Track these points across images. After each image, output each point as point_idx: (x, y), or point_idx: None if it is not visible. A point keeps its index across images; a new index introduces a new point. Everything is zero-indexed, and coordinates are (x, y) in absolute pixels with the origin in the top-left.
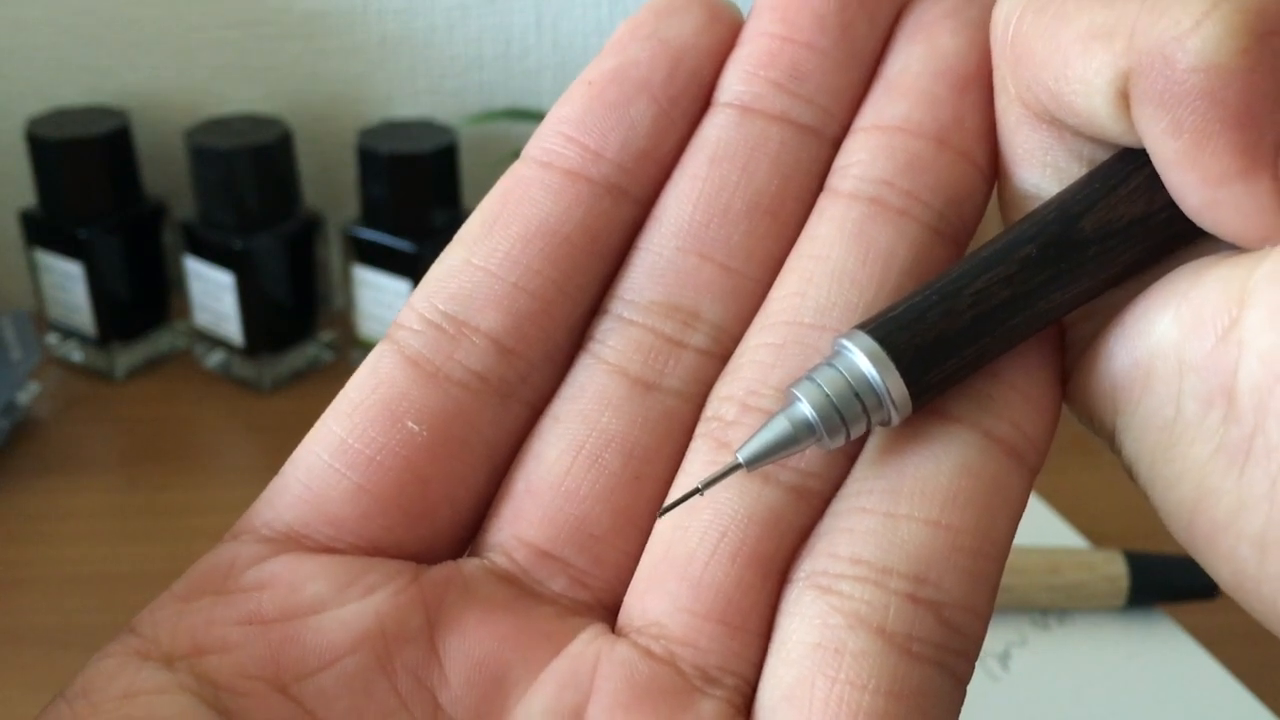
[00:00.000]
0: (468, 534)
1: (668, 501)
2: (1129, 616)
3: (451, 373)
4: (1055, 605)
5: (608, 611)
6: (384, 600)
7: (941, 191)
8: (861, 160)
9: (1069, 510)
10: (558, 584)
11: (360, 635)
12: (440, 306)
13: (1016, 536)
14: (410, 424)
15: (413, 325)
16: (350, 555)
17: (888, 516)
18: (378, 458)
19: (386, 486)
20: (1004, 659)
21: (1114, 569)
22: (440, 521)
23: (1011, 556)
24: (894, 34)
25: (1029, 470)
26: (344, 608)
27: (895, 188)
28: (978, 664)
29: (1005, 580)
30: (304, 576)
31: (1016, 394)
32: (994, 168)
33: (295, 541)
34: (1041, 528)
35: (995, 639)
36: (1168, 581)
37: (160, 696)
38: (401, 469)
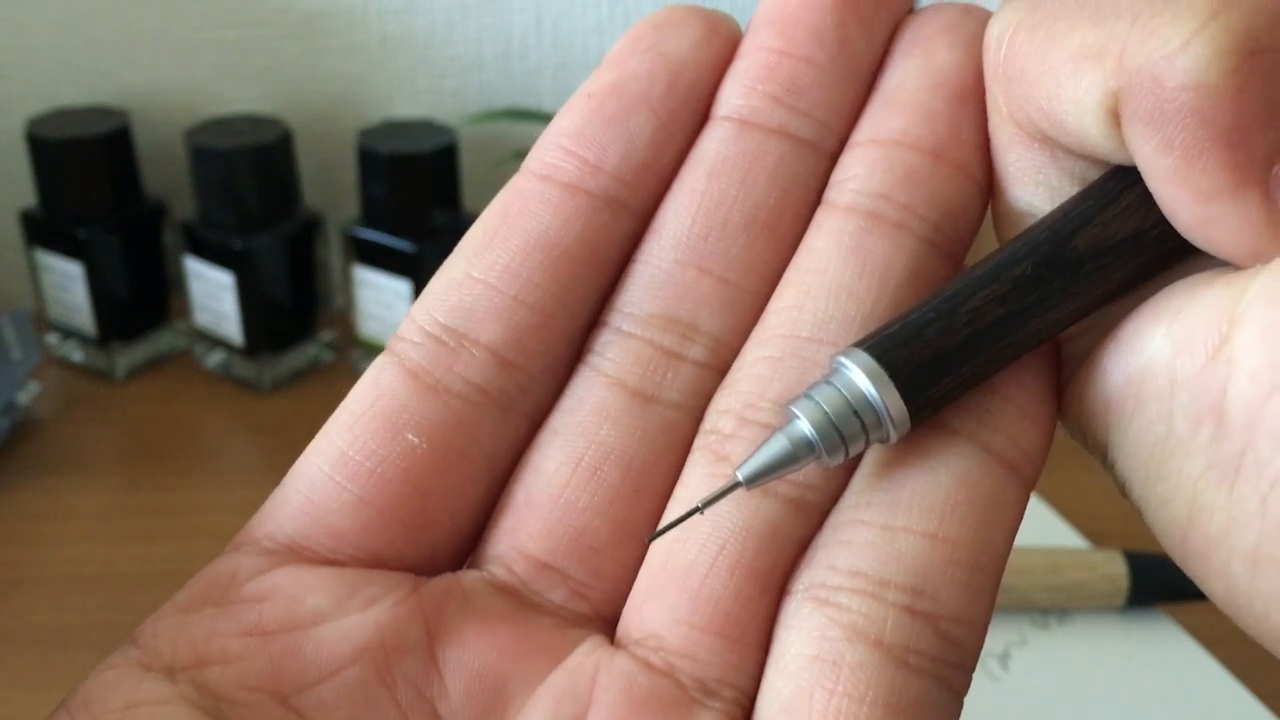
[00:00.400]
0: (467, 546)
1: (666, 522)
2: (1129, 616)
3: (451, 385)
4: (1055, 605)
5: (607, 623)
6: (384, 612)
7: (938, 205)
8: (858, 174)
9: (1069, 510)
10: (557, 596)
11: (360, 647)
12: (440, 319)
13: (1018, 536)
14: (410, 436)
15: (413, 338)
16: (351, 567)
17: (886, 529)
18: (378, 470)
19: (387, 499)
20: (1004, 659)
21: (1114, 569)
22: (440, 533)
23: (1011, 557)
24: (891, 48)
25: (1025, 484)
26: (344, 619)
27: (892, 201)
28: (978, 664)
29: (1005, 580)
30: (305, 588)
31: (1013, 408)
32: (990, 181)
33: (296, 553)
34: (1041, 528)
35: (995, 639)
36: (1168, 581)
37: (162, 707)
38: (402, 481)
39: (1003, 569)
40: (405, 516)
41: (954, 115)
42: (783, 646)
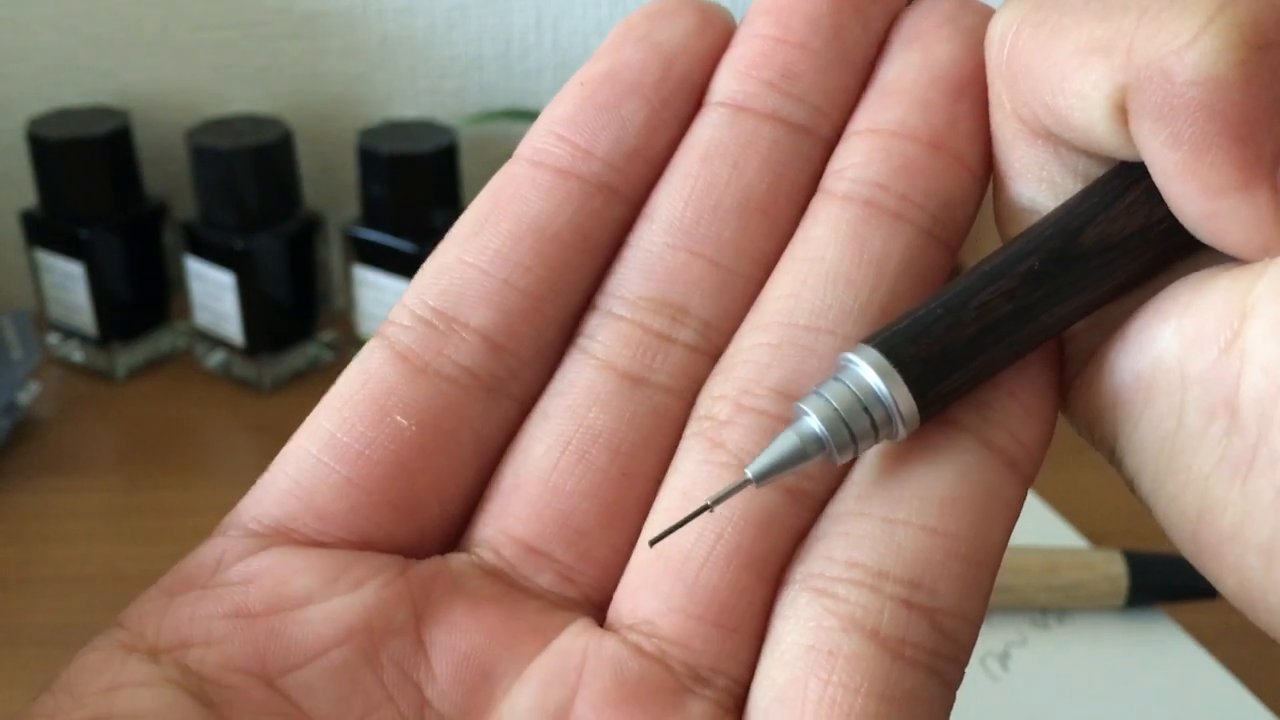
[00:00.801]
0: (456, 529)
1: (659, 509)
2: (1129, 616)
3: (441, 368)
4: (1055, 605)
5: (595, 608)
6: (371, 594)
7: (935, 195)
8: (856, 163)
9: (1068, 510)
10: (545, 579)
11: (347, 628)
12: (431, 303)
13: (1017, 536)
14: (399, 419)
15: (403, 321)
16: (338, 549)
17: (885, 522)
18: (366, 452)
19: (375, 481)
20: (1004, 659)
21: (1113, 569)
22: (428, 516)
23: (1011, 556)
24: (889, 41)
25: (1024, 479)
26: (330, 601)
27: (890, 191)
28: (978, 664)
29: (1005, 580)
30: (291, 570)
31: (1015, 403)
32: (987, 172)
33: (284, 536)
34: (1041, 528)
35: (995, 639)
36: (1167, 581)
37: (145, 689)
38: (390, 463)
39: (999, 564)
40: (394, 498)
41: (951, 107)
42: (778, 636)
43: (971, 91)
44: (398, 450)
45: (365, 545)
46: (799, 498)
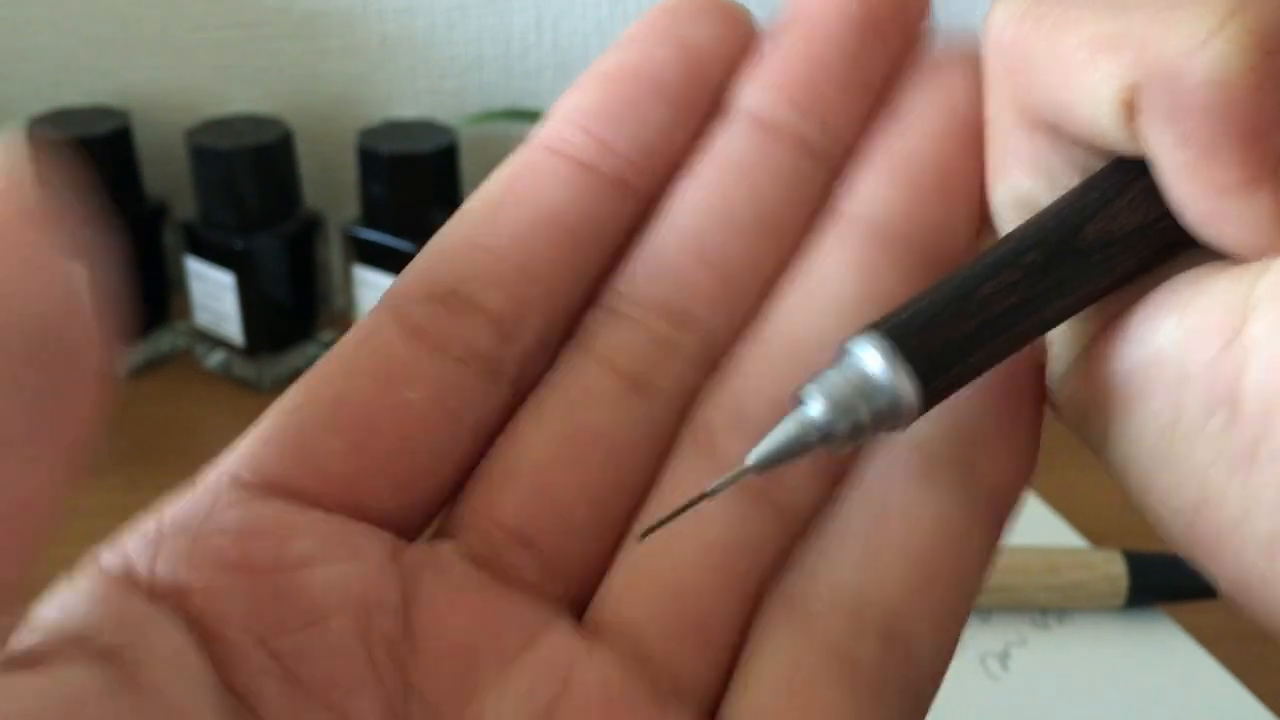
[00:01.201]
0: (445, 509)
1: (657, 511)
2: (1128, 616)
3: (450, 347)
4: (1055, 605)
5: (578, 605)
6: (367, 569)
7: (941, 227)
8: (866, 190)
9: (1068, 510)
10: (532, 572)
11: (342, 600)
12: (445, 282)
13: (1017, 536)
14: (406, 392)
15: (414, 296)
16: (336, 515)
17: (867, 546)
18: (370, 420)
19: (375, 449)
20: (1004, 659)
21: (1113, 569)
22: (421, 491)
23: (1011, 556)
24: (908, 75)
25: (1007, 508)
26: (329, 568)
27: (897, 218)
28: (978, 664)
29: (1005, 580)
30: (292, 530)
31: (1000, 435)
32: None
33: (280, 490)
34: (1040, 527)
35: (995, 639)
36: (1167, 581)
37: (151, 626)
38: (393, 435)
39: (977, 595)
40: (393, 470)
41: (963, 143)
42: (755, 654)
43: (982, 130)
44: (402, 422)
45: (359, 513)
46: (784, 515)
